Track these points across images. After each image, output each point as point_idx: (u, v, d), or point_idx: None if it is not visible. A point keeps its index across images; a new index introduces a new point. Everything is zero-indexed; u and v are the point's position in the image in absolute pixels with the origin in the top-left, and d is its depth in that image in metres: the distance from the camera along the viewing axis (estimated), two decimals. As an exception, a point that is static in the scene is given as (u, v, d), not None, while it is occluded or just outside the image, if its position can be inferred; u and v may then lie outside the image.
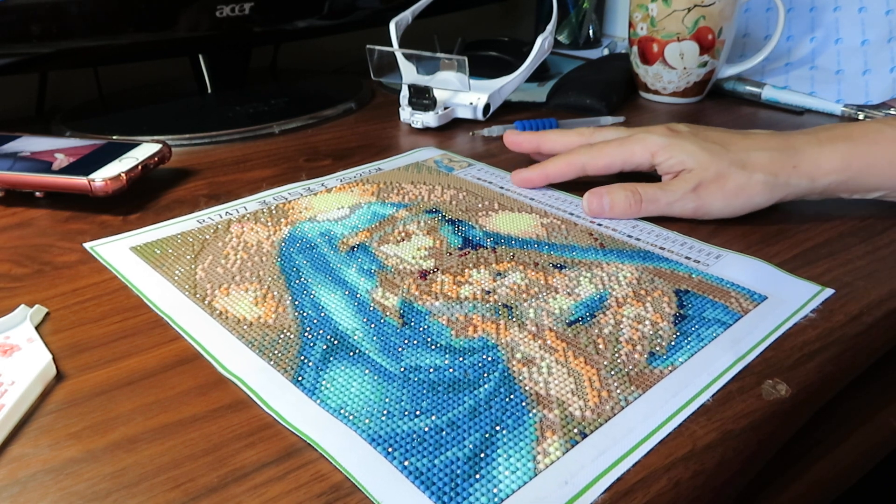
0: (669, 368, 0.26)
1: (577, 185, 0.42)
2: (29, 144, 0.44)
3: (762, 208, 0.37)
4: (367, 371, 0.26)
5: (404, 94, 0.54)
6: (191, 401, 0.25)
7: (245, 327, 0.28)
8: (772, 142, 0.37)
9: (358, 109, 0.59)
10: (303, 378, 0.25)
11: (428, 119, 0.53)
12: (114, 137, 0.48)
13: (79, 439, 0.23)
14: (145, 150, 0.42)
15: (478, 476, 0.21)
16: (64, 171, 0.40)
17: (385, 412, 0.24)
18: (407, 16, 0.58)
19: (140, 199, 0.41)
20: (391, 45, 0.55)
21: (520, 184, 0.42)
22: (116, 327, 0.29)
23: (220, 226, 0.37)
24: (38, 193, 0.40)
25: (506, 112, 0.56)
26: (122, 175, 0.39)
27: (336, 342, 0.27)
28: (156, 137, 0.46)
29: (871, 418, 0.34)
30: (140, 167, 0.41)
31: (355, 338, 0.28)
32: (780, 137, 0.37)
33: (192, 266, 0.33)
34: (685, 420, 0.23)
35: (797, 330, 0.28)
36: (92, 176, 0.38)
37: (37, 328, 0.29)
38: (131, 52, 0.53)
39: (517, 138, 0.44)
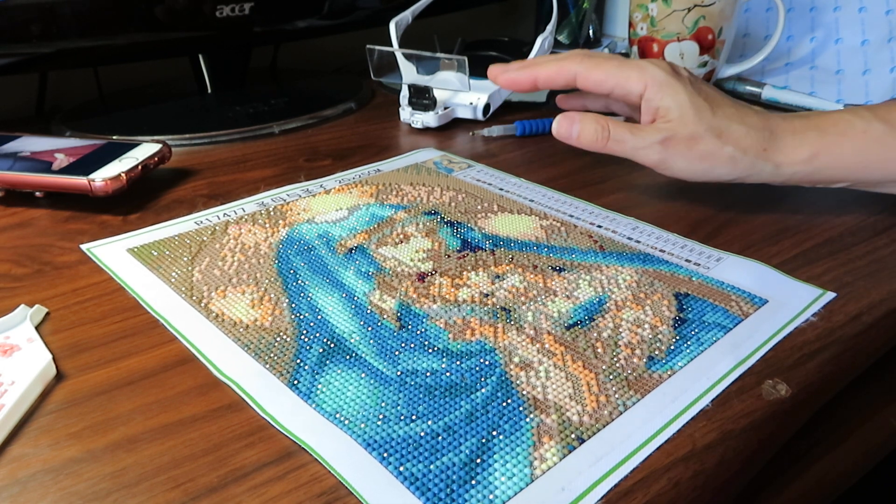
0: (668, 373, 0.26)
1: (581, 186, 0.42)
2: (29, 144, 0.44)
3: (722, 181, 0.37)
4: (363, 375, 0.26)
5: (404, 94, 0.54)
6: (191, 401, 0.25)
7: (241, 330, 0.28)
8: (753, 118, 0.36)
9: (358, 109, 0.59)
10: (298, 382, 0.25)
11: (428, 119, 0.53)
12: (114, 137, 0.48)
13: (79, 439, 0.23)
14: (145, 150, 0.42)
15: (474, 482, 0.21)
16: (64, 171, 0.40)
17: (381, 416, 0.24)
18: (407, 16, 0.58)
19: (140, 199, 0.41)
20: (391, 45, 0.54)
21: (506, 84, 0.40)
22: (116, 327, 0.29)
23: (217, 227, 0.37)
24: (38, 193, 0.40)
25: (506, 112, 0.56)
26: (122, 175, 0.39)
27: (332, 345, 0.27)
28: (156, 137, 0.46)
29: (871, 418, 0.34)
30: (140, 167, 0.41)
31: (352, 341, 0.28)
32: (761, 117, 0.36)
33: (189, 268, 0.33)
34: (684, 425, 0.23)
35: (797, 330, 0.28)
36: (92, 176, 0.39)
37: (37, 328, 0.29)
38: (131, 52, 0.53)
39: (514, 77, 0.40)
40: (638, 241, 0.35)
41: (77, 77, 0.62)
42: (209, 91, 0.60)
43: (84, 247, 0.35)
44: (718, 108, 0.36)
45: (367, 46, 0.53)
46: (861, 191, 0.37)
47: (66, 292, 0.32)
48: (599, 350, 0.27)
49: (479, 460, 0.22)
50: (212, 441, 0.23)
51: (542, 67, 0.39)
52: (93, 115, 0.57)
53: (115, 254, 0.35)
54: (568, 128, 0.37)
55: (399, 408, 0.24)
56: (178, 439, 0.23)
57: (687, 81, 0.37)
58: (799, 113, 0.38)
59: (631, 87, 0.37)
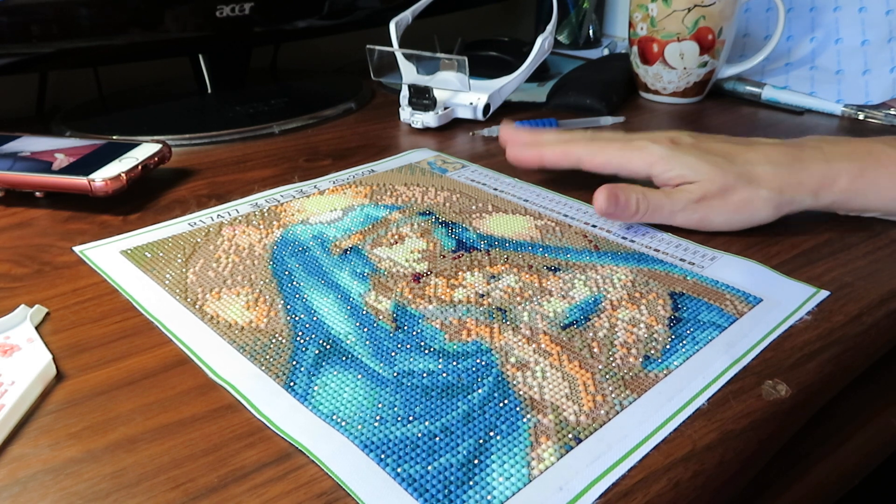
0: (664, 372, 0.26)
1: (575, 187, 0.42)
2: (29, 144, 0.44)
3: (765, 223, 0.36)
4: (359, 376, 0.26)
5: (404, 94, 0.54)
6: (191, 401, 0.25)
7: (236, 332, 0.28)
8: (778, 155, 0.36)
9: (358, 109, 0.59)
10: (295, 383, 0.25)
11: (428, 119, 0.53)
12: (114, 137, 0.48)
13: (79, 439, 0.23)
14: (145, 150, 0.43)
15: (471, 483, 0.21)
16: (64, 171, 0.40)
17: (378, 418, 0.24)
18: (407, 16, 0.58)
19: (140, 199, 0.41)
20: (391, 45, 0.55)
21: (514, 160, 0.42)
22: (116, 327, 0.29)
23: (211, 229, 0.37)
24: (38, 193, 0.40)
25: (506, 112, 0.56)
26: (122, 175, 0.39)
27: (328, 347, 0.27)
28: (156, 137, 0.46)
29: (872, 419, 0.34)
30: (140, 167, 0.41)
31: (348, 342, 0.28)
32: (786, 149, 0.36)
33: (183, 270, 0.33)
34: (680, 424, 0.24)
35: (797, 330, 0.28)
36: (92, 176, 0.39)
37: (37, 328, 0.29)
38: (131, 52, 0.53)
39: (519, 154, 0.42)
40: (632, 241, 0.36)
41: (77, 77, 0.62)
42: (209, 91, 0.60)
43: (77, 249, 0.35)
44: (735, 155, 0.36)
45: (367, 46, 0.53)
46: (888, 219, 0.37)
47: (66, 292, 0.32)
48: (595, 350, 0.27)
49: (476, 461, 0.22)
50: (212, 441, 0.23)
51: (548, 149, 0.41)
52: (93, 115, 0.57)
53: (108, 256, 0.35)
54: (613, 201, 0.35)
55: (396, 409, 0.24)
56: (178, 439, 0.23)
57: (690, 146, 0.37)
58: (826, 138, 0.37)
59: (635, 168, 0.38)
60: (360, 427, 0.23)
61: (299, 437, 0.23)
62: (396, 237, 0.36)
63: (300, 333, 0.28)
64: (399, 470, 0.22)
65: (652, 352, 0.27)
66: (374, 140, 0.51)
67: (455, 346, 0.27)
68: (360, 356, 0.27)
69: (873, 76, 0.57)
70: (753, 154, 0.36)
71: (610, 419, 0.24)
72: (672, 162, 0.36)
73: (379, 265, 0.33)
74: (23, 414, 0.24)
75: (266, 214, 0.39)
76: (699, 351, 0.27)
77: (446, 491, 0.21)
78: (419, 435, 0.23)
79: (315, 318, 0.29)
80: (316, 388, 0.25)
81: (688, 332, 0.28)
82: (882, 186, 0.35)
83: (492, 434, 0.23)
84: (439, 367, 0.26)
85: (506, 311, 0.30)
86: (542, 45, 0.55)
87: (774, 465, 0.31)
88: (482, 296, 0.31)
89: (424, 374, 0.26)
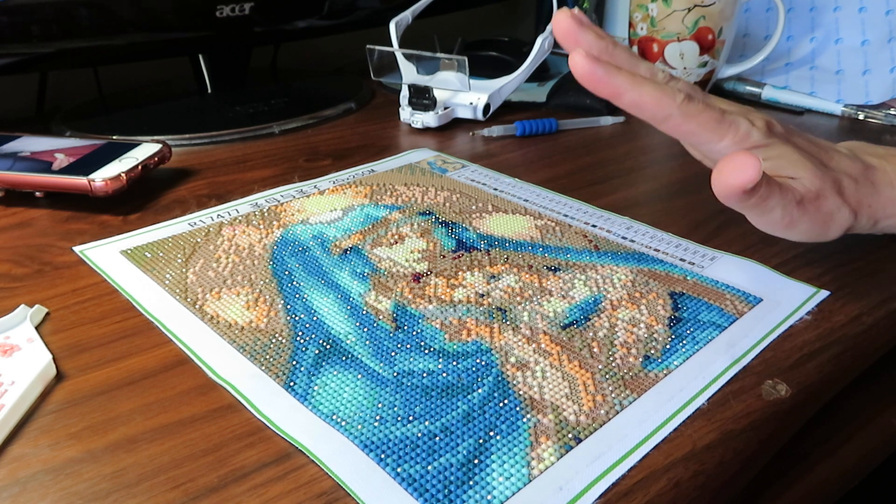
0: (664, 372, 0.26)
1: (576, 186, 0.42)
2: (29, 144, 0.44)
3: (823, 242, 0.32)
4: (359, 376, 0.26)
5: (404, 94, 0.54)
6: (190, 401, 0.25)
7: (236, 332, 0.28)
8: (854, 169, 0.31)
9: (358, 109, 0.59)
10: (295, 383, 0.25)
11: (428, 119, 0.53)
12: (114, 137, 0.48)
13: (79, 439, 0.23)
14: (145, 150, 0.43)
15: (471, 482, 0.21)
16: (64, 171, 0.40)
17: (378, 418, 0.24)
18: (407, 16, 0.58)
19: (140, 199, 0.41)
20: (391, 45, 0.55)
21: (588, 78, 0.28)
22: (116, 327, 0.29)
23: (211, 229, 0.37)
24: (38, 193, 0.40)
25: (506, 112, 0.56)
26: (122, 175, 0.39)
27: (328, 347, 0.27)
28: (156, 137, 0.46)
29: (873, 419, 0.34)
30: (140, 167, 0.41)
31: (348, 342, 0.28)
32: (860, 164, 0.32)
33: (183, 270, 0.33)
34: (680, 424, 0.24)
35: (797, 330, 0.28)
36: (92, 176, 0.39)
37: (37, 328, 0.29)
38: (131, 52, 0.53)
39: (602, 76, 0.27)
40: (633, 241, 0.36)
41: (77, 77, 0.62)
42: (209, 91, 0.60)
43: (77, 249, 0.35)
44: (827, 161, 0.31)
45: (367, 46, 0.53)
46: None
47: (66, 292, 0.32)
48: (595, 350, 0.27)
49: (476, 461, 0.22)
50: (212, 441, 0.23)
51: (643, 90, 0.28)
52: (93, 115, 0.57)
53: (108, 256, 0.35)
54: (746, 175, 0.26)
55: (396, 409, 0.24)
56: (178, 439, 0.23)
57: (784, 137, 0.31)
58: (887, 154, 0.33)
59: (723, 147, 0.30)
60: (360, 427, 0.23)
61: (299, 436, 0.23)
62: (396, 237, 0.36)
63: (300, 333, 0.28)
64: (399, 470, 0.22)
65: (652, 352, 0.27)
66: (374, 140, 0.51)
67: (455, 346, 0.27)
68: (360, 356, 0.27)
69: (873, 76, 0.57)
70: (836, 163, 0.31)
71: (610, 419, 0.24)
72: (770, 151, 0.30)
73: (379, 265, 0.33)
74: (23, 414, 0.24)
75: (266, 214, 0.39)
76: (699, 351, 0.27)
77: (446, 491, 0.21)
78: (419, 435, 0.23)
79: (315, 318, 0.29)
80: (316, 387, 0.25)
81: (688, 331, 0.28)
82: None
83: (492, 434, 0.23)
84: (439, 366, 0.26)
85: (506, 311, 0.30)
86: (542, 45, 0.55)
87: (774, 465, 0.31)
88: (482, 296, 0.31)
89: (424, 374, 0.26)
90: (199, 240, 0.36)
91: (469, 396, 0.25)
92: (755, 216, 0.30)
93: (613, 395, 0.25)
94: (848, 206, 0.30)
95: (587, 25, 0.29)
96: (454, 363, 0.26)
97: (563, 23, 0.29)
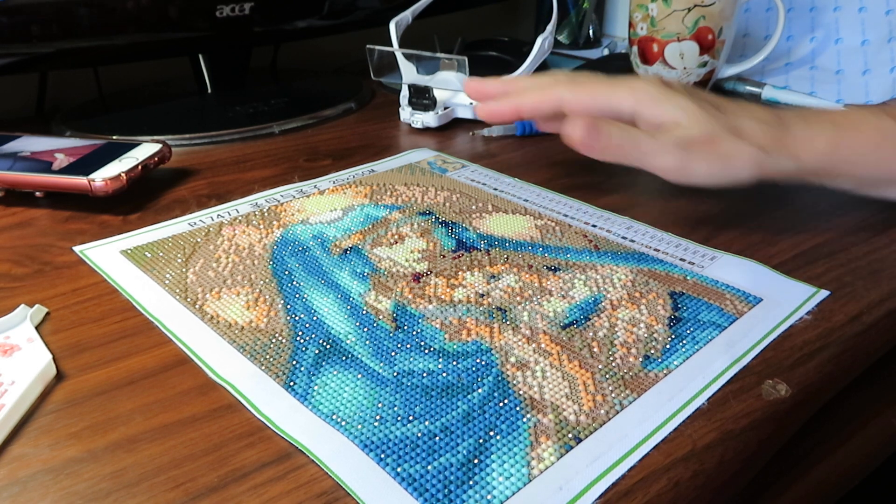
0: (664, 372, 0.26)
1: (577, 186, 0.42)
2: (29, 144, 0.44)
3: (741, 184, 0.34)
4: (359, 376, 0.26)
5: (404, 94, 0.54)
6: (191, 401, 0.25)
7: (236, 332, 0.28)
8: (763, 114, 0.35)
9: (358, 109, 0.59)
10: (294, 383, 0.25)
11: (428, 119, 0.53)
12: (114, 137, 0.48)
13: (79, 439, 0.23)
14: (145, 150, 0.43)
15: (471, 482, 0.21)
16: (64, 171, 0.40)
17: (378, 417, 0.24)
18: (407, 16, 0.58)
19: (140, 199, 0.41)
20: (391, 45, 0.55)
21: (487, 115, 0.37)
22: (116, 327, 0.29)
23: (211, 228, 0.37)
24: (38, 193, 0.40)
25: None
26: (122, 175, 0.39)
27: (328, 346, 0.27)
28: (156, 137, 0.46)
29: (872, 419, 0.34)
30: (140, 167, 0.41)
31: (348, 342, 0.28)
32: (769, 111, 0.35)
33: (183, 270, 0.33)
34: (680, 424, 0.24)
35: (797, 330, 0.28)
36: (92, 176, 0.39)
37: (37, 328, 0.29)
38: (131, 52, 0.53)
39: (494, 108, 0.37)
40: (633, 241, 0.36)
41: (77, 77, 0.62)
42: (209, 91, 0.60)
43: (77, 249, 0.35)
44: (724, 108, 0.35)
45: (367, 46, 0.53)
46: (860, 193, 0.37)
47: (66, 292, 0.32)
48: (595, 349, 0.27)
49: (476, 461, 0.22)
50: (212, 441, 0.23)
51: (524, 97, 0.36)
52: (93, 115, 0.57)
53: (108, 256, 0.35)
54: (593, 134, 0.32)
55: (396, 409, 0.24)
56: (178, 439, 0.23)
57: (681, 89, 0.35)
58: (805, 108, 0.37)
59: (622, 107, 0.35)
60: (359, 427, 0.23)
61: (299, 436, 0.23)
62: (396, 237, 0.36)
63: (300, 333, 0.28)
64: (399, 469, 0.22)
65: (652, 351, 0.27)
66: (374, 140, 0.51)
67: (455, 346, 0.27)
68: (359, 356, 0.27)
69: (873, 76, 0.57)
70: (741, 109, 0.35)
71: (610, 419, 0.24)
72: (662, 101, 0.34)
73: (379, 265, 0.33)
74: (23, 414, 0.24)
75: (266, 214, 0.39)
76: (699, 351, 0.27)
77: (446, 490, 0.21)
78: (419, 434, 0.23)
79: (315, 318, 0.29)
80: (316, 387, 0.25)
81: (688, 331, 0.28)
82: (862, 152, 0.35)
83: (492, 434, 0.23)
84: (439, 366, 0.26)
85: (506, 311, 0.30)
86: (542, 45, 0.55)
87: (774, 465, 0.31)
88: (482, 295, 0.31)
89: (424, 374, 0.26)
90: (199, 240, 0.36)
91: (469, 396, 0.25)
92: (644, 167, 0.34)
93: (613, 395, 0.25)
94: (753, 145, 0.33)
95: (486, 83, 0.39)
96: (454, 363, 0.26)
97: (468, 88, 0.40)
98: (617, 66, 0.63)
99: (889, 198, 0.37)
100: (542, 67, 0.65)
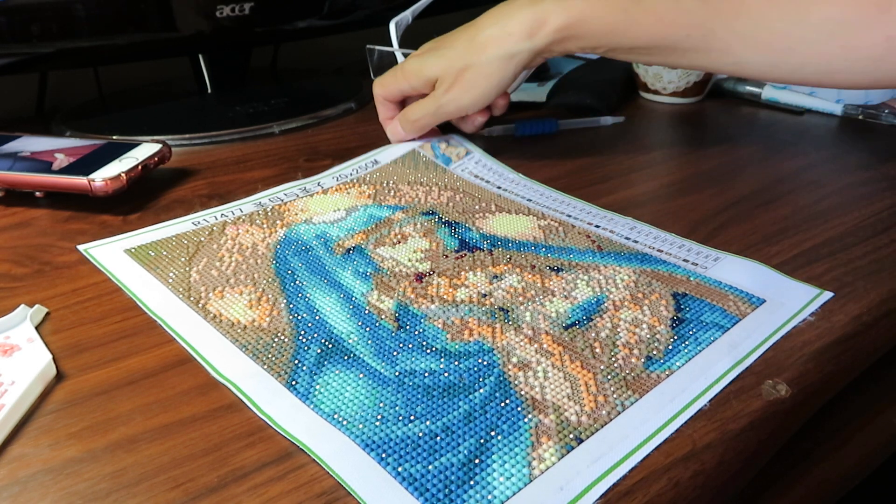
0: (667, 373, 0.26)
1: (579, 186, 0.42)
2: (29, 144, 0.44)
3: (506, 87, 0.42)
4: (361, 375, 0.26)
5: (404, 94, 0.54)
6: (191, 401, 0.25)
7: (239, 331, 0.28)
8: (489, 19, 0.41)
9: (358, 109, 0.59)
10: (296, 382, 0.25)
11: (427, 119, 0.53)
12: (114, 137, 0.48)
13: (79, 439, 0.23)
14: (145, 150, 0.43)
15: (472, 482, 0.21)
16: (64, 171, 0.40)
17: (379, 417, 0.24)
18: (407, 16, 0.58)
19: (140, 199, 0.41)
20: (391, 45, 0.55)
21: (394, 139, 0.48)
22: (116, 327, 0.29)
23: (215, 228, 0.37)
24: (38, 193, 0.40)
25: (506, 111, 0.56)
26: (122, 175, 0.39)
27: (330, 346, 0.27)
28: (156, 137, 0.46)
29: (873, 420, 0.34)
30: (140, 167, 0.41)
31: (350, 342, 0.28)
32: (497, 11, 0.41)
33: (187, 268, 0.33)
34: (682, 425, 0.24)
35: (797, 330, 0.28)
36: (92, 176, 0.39)
37: (37, 328, 0.29)
38: (131, 52, 0.53)
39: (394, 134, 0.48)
40: (636, 241, 0.35)
41: (77, 77, 0.62)
42: (209, 91, 0.60)
43: (81, 247, 0.36)
44: (456, 40, 0.41)
45: (367, 46, 0.53)
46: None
47: (66, 292, 0.32)
48: (597, 350, 0.27)
49: (477, 461, 0.22)
50: (212, 441, 0.23)
51: (392, 127, 0.47)
52: (93, 115, 0.57)
53: (112, 254, 0.35)
54: (395, 131, 0.46)
55: (397, 408, 0.24)
56: (178, 439, 0.23)
57: (427, 49, 0.43)
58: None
59: (403, 87, 0.44)
60: (361, 426, 0.23)
61: (301, 436, 0.23)
62: (399, 237, 0.36)
63: (302, 332, 0.28)
64: (400, 469, 0.22)
65: (654, 352, 0.27)
66: (374, 140, 0.51)
67: (457, 346, 0.27)
68: (362, 355, 0.27)
69: (874, 76, 0.57)
70: (472, 29, 0.41)
71: (611, 419, 0.24)
72: (416, 70, 0.43)
73: (382, 265, 0.33)
74: (23, 414, 0.24)
75: (269, 214, 0.39)
76: (702, 352, 0.27)
77: (447, 490, 0.21)
78: (420, 434, 0.23)
79: (317, 318, 0.29)
80: (318, 387, 0.25)
81: (690, 332, 0.28)
82: (588, 21, 0.39)
83: (493, 434, 0.23)
84: (441, 366, 0.26)
85: (508, 311, 0.29)
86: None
87: (774, 465, 0.31)
88: (485, 296, 0.31)
89: (426, 374, 0.26)
90: (202, 239, 0.36)
91: (470, 396, 0.25)
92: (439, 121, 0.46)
93: (615, 396, 0.25)
94: (490, 52, 0.40)
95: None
96: (456, 363, 0.26)
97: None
98: (617, 65, 0.63)
99: (643, 62, 0.44)
100: (542, 67, 0.65)
